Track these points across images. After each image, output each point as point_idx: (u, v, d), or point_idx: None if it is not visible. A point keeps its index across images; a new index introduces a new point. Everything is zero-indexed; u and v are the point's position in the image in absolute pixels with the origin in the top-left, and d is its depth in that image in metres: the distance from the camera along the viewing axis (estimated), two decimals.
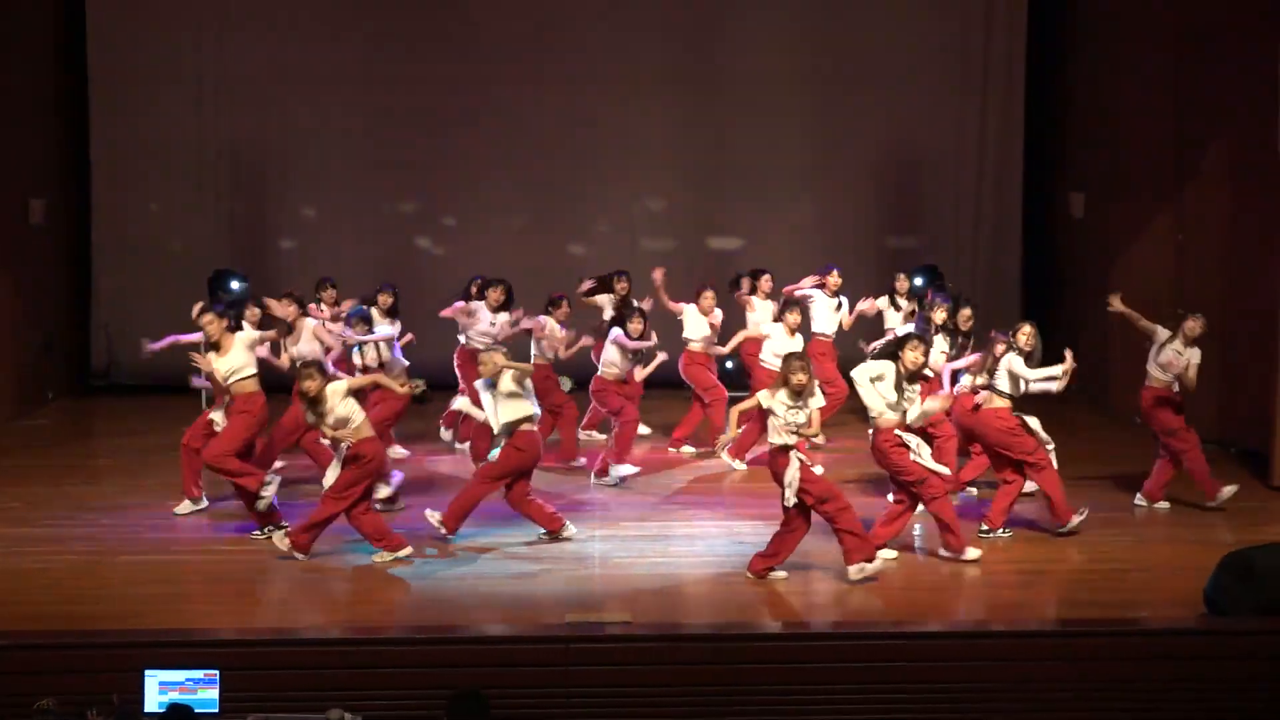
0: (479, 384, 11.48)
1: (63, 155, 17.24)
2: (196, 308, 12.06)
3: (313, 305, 13.72)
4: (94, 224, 17.53)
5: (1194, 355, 12.23)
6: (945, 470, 11.29)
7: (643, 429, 14.36)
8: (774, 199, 17.64)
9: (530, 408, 11.34)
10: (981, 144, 17.87)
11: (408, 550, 11.17)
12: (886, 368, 10.87)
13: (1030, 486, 12.24)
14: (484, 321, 13.95)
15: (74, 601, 10.66)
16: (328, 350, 12.98)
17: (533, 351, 13.55)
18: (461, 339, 14.12)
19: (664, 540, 11.86)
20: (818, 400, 10.57)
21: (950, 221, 17.92)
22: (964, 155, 17.89)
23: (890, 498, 11.79)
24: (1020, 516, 12.26)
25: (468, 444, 13.84)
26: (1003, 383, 11.72)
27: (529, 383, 11.43)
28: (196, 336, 12.33)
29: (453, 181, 17.60)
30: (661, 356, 13.58)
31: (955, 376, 12.53)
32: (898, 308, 14.76)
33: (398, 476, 12.47)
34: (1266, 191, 13.41)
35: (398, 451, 13.84)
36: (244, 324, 12.41)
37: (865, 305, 14.68)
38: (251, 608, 10.81)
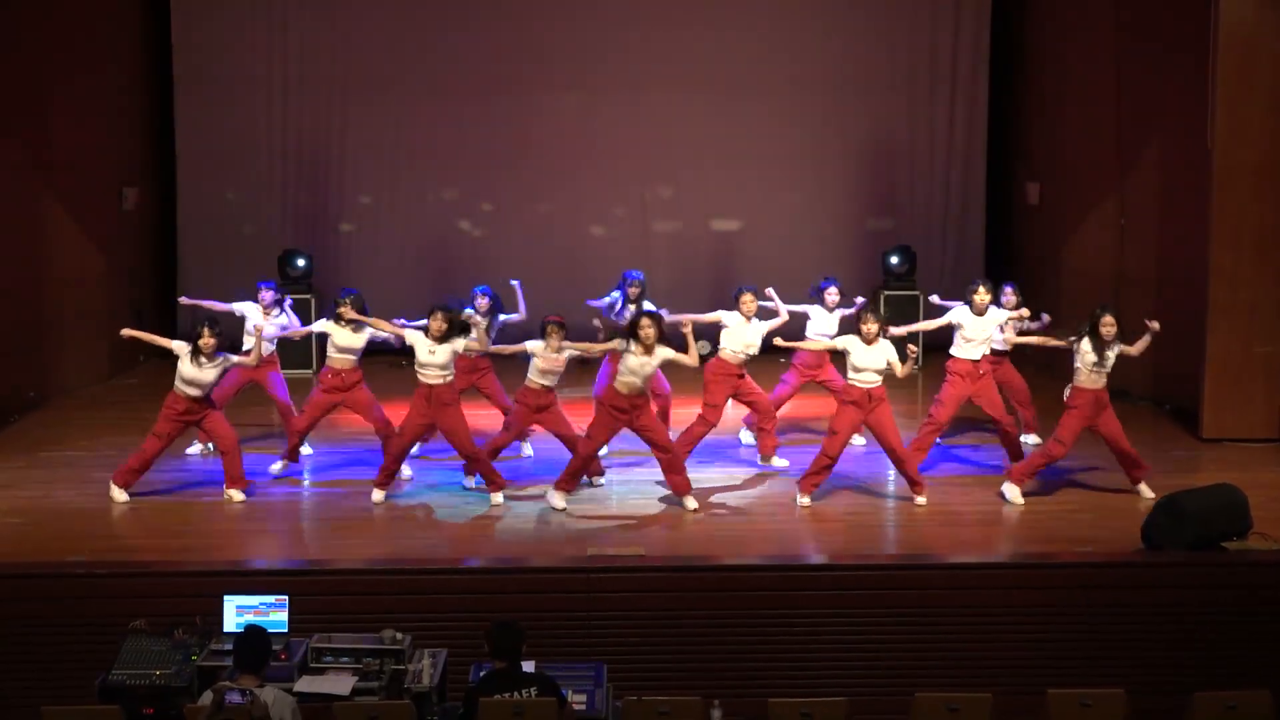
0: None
1: (152, 149, 17.18)
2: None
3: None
4: (179, 210, 17.47)
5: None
6: None
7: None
8: (769, 185, 17.55)
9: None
10: (950, 138, 17.74)
11: None
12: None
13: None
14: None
15: (162, 535, 10.71)
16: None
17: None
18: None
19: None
20: None
21: (922, 206, 17.81)
22: (935, 148, 17.76)
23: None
24: (986, 462, 12.28)
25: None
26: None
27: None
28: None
29: (489, 172, 17.53)
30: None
31: None
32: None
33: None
34: (1198, 180, 13.33)
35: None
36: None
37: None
38: (315, 541, 10.85)
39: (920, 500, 11.25)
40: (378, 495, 11.31)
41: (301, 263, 16.22)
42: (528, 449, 12.64)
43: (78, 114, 15.21)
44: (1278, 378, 13.07)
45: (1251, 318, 13.01)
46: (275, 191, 17.49)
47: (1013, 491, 11.31)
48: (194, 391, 11.25)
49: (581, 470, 11.29)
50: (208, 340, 11.12)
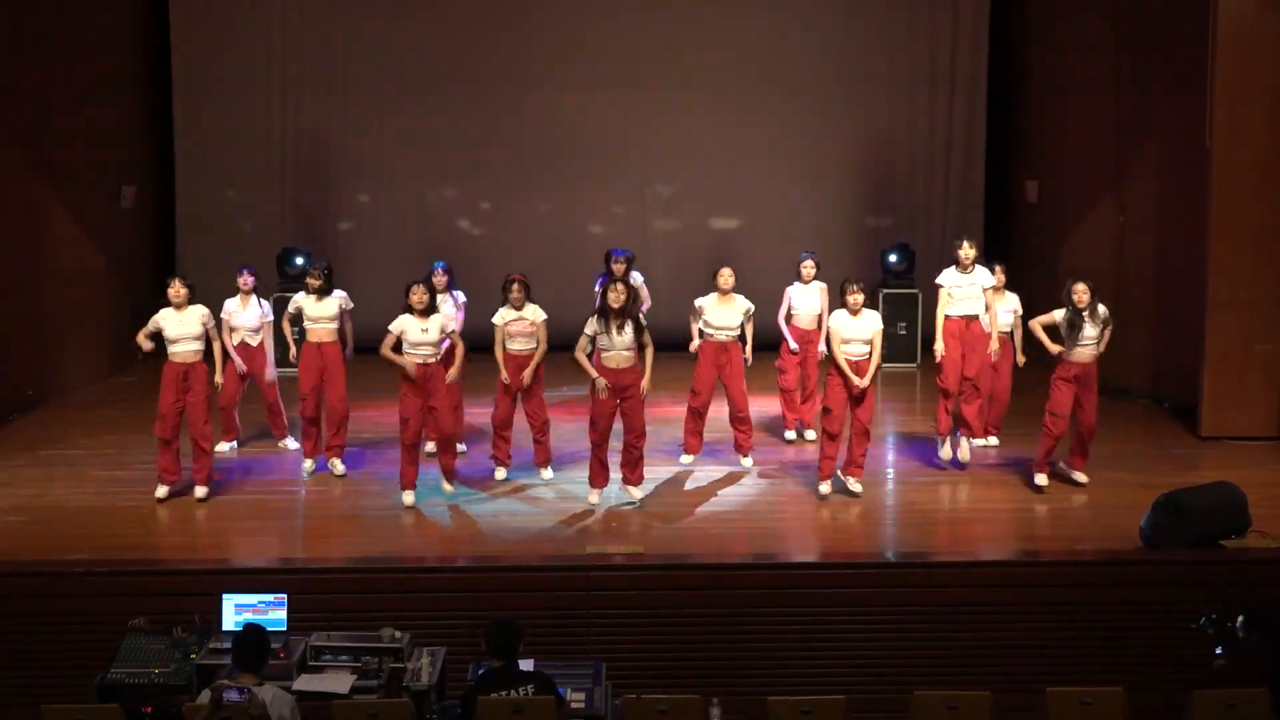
0: None
1: (151, 147, 17.18)
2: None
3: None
4: (178, 208, 17.46)
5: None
6: None
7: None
8: (768, 184, 17.54)
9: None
10: (949, 136, 17.73)
11: None
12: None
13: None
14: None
15: (161, 534, 10.72)
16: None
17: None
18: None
19: (670, 483, 11.85)
20: None
21: (921, 204, 17.80)
22: (934, 146, 17.76)
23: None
24: (981, 461, 12.28)
25: None
26: None
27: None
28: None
29: (488, 170, 17.52)
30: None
31: None
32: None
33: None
34: (1197, 178, 13.33)
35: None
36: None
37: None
38: (314, 539, 10.85)
39: (854, 487, 11.30)
40: (408, 498, 11.25)
41: (300, 260, 16.20)
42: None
43: (77, 113, 15.21)
44: (1278, 376, 13.06)
45: (1251, 315, 13.00)
46: (274, 189, 17.49)
47: (1042, 479, 11.48)
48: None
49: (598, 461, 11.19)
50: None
